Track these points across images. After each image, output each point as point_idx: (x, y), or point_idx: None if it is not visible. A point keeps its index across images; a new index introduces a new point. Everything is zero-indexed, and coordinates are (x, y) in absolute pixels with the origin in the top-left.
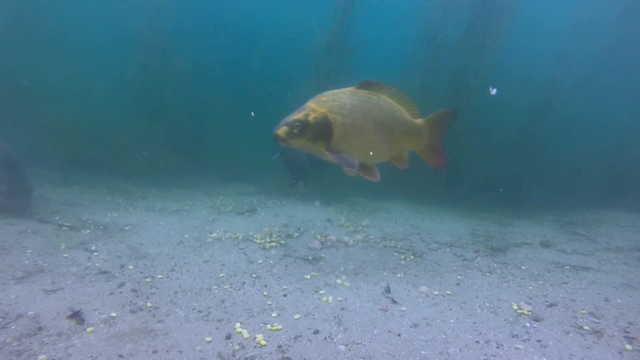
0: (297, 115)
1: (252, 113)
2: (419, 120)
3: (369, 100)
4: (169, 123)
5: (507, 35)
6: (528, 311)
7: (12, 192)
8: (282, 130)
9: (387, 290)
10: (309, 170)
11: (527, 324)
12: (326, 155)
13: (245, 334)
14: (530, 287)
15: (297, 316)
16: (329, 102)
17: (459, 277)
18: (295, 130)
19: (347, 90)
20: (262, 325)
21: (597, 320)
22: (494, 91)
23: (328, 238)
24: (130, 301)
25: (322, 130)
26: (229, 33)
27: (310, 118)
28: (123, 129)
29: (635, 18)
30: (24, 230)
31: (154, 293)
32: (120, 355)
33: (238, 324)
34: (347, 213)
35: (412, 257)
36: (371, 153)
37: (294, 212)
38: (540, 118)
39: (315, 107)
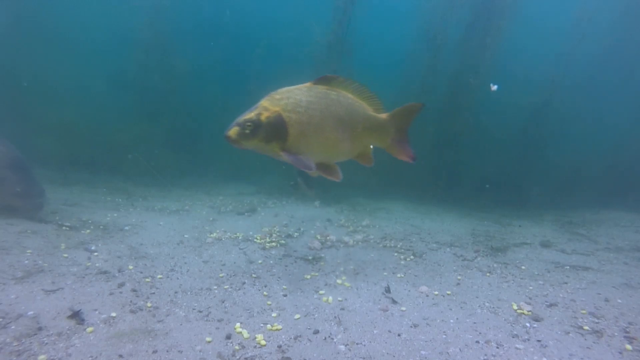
0: (249, 115)
1: None
2: (383, 115)
3: (328, 96)
4: (169, 123)
5: (507, 35)
6: (528, 311)
7: (26, 193)
8: (233, 131)
9: (387, 290)
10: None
11: (527, 324)
12: (281, 156)
13: (245, 334)
14: (530, 287)
15: (297, 316)
16: (283, 100)
17: (459, 277)
18: (247, 131)
19: (304, 86)
20: (262, 325)
21: (597, 320)
22: (494, 87)
23: (328, 238)
24: (130, 301)
25: (275, 130)
26: (228, 33)
27: (263, 117)
28: (123, 129)
29: (635, 18)
30: (24, 230)
31: (154, 293)
32: (120, 355)
33: (238, 324)
34: (347, 213)
35: (412, 257)
36: (329, 151)
37: (294, 212)
38: (540, 118)
39: (268, 105)
